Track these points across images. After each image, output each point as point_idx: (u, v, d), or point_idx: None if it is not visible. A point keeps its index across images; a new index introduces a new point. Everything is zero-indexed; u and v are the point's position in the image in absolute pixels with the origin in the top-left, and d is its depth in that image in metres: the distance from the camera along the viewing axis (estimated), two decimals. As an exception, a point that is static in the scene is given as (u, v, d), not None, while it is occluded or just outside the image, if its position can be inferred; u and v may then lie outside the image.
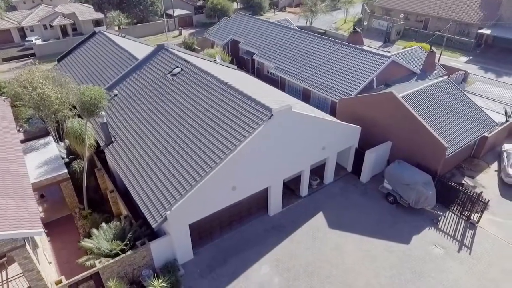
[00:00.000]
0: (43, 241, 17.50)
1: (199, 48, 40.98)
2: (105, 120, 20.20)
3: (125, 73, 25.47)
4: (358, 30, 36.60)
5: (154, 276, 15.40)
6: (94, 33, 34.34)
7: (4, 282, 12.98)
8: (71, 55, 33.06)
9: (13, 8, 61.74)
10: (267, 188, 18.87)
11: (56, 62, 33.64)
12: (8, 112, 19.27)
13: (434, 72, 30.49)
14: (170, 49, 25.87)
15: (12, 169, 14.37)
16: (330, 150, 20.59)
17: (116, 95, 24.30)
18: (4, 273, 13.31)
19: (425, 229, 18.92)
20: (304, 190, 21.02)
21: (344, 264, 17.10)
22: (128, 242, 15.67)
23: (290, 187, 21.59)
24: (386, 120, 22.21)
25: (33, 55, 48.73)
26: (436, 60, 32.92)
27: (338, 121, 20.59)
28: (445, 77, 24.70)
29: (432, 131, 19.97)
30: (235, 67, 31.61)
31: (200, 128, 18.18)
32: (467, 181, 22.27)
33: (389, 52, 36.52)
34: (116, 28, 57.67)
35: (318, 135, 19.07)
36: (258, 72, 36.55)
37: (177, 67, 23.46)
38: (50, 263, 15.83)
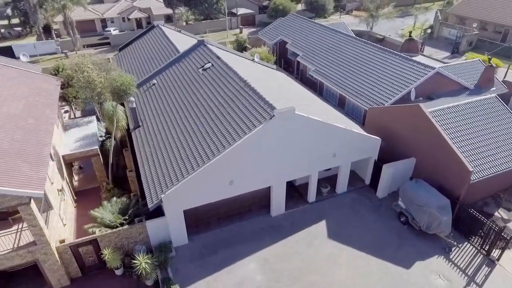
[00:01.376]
0: (68, 205, 19.83)
1: (249, 47, 41.98)
2: (134, 106, 22.08)
3: (166, 65, 27.36)
4: (414, 37, 34.35)
5: (146, 252, 16.68)
6: (153, 27, 37.29)
7: (18, 231, 15.17)
8: (131, 46, 36.36)
9: (100, 1, 69.38)
10: (270, 187, 19.01)
11: (118, 51, 37.32)
12: (56, 91, 22.17)
13: (492, 89, 27.40)
14: (208, 45, 27.13)
15: (40, 139, 16.64)
16: (342, 158, 19.93)
17: (153, 84, 26.27)
18: (20, 225, 15.52)
19: (433, 256, 17.37)
20: (311, 195, 20.65)
21: (333, 276, 16.54)
22: (127, 217, 17.13)
23: (300, 191, 21.39)
24: (411, 135, 20.75)
25: (108, 43, 54.44)
26: (502, 76, 29.56)
27: (355, 129, 19.76)
28: (494, 95, 22.13)
29: (458, 151, 18.18)
30: (274, 67, 31.91)
31: (211, 122, 18.96)
32: (500, 213, 19.80)
33: (447, 63, 33.57)
34: (184, 23, 61.71)
35: (327, 141, 18.60)
36: (302, 74, 36.37)
37: (209, 62, 24.59)
38: (64, 225, 17.95)
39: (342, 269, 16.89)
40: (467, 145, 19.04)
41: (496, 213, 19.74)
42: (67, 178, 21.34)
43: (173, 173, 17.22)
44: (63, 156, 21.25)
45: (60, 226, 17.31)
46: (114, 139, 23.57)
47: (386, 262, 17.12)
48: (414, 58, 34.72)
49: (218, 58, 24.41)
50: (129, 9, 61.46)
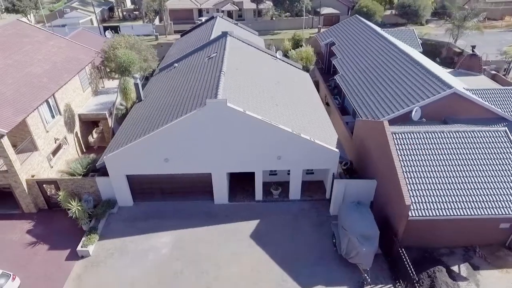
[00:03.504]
0: (69, 154, 24.17)
1: (303, 45, 41.56)
2: (138, 82, 25.13)
3: (191, 51, 29.88)
4: (477, 53, 29.12)
5: (92, 203, 19.70)
6: (212, 17, 40.41)
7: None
8: (190, 33, 40.29)
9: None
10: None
11: (180, 36, 41.73)
12: (86, 61, 26.89)
13: (544, 125, 21.76)
14: (230, 36, 28.51)
15: (39, 95, 20.97)
16: (290, 164, 19.24)
17: (174, 67, 29.11)
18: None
19: (341, 286, 15.70)
20: (258, 194, 20.52)
21: (226, 272, 16.57)
22: (84, 170, 20.31)
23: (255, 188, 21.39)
24: (377, 154, 18.62)
25: (195, 31, 60.42)
26: None
27: (306, 136, 18.66)
28: (504, 129, 17.93)
29: (402, 180, 15.73)
30: (300, 66, 31.36)
31: (176, 103, 20.53)
32: (462, 268, 16.32)
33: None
34: (269, 18, 63.91)
35: (269, 141, 18.28)
36: (340, 78, 34.59)
37: (216, 52, 26.06)
38: (52, 167, 22.17)
39: (240, 268, 16.76)
40: (427, 177, 16.24)
41: (455, 267, 16.39)
42: (79, 133, 25.89)
43: (127, 140, 19.56)
44: (79, 115, 25.88)
45: (45, 166, 21.51)
46: (126, 108, 27.37)
47: (288, 276, 16.26)
48: (474, 77, 30.04)
49: (224, 49, 25.67)
50: (224, 2, 66.48)
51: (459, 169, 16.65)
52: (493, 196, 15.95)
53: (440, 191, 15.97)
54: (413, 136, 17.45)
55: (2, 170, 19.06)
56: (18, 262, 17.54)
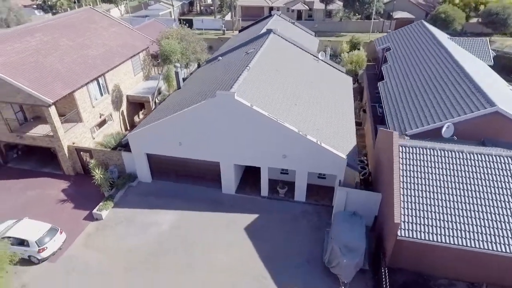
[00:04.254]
0: (112, 129, 26.97)
1: (359, 48, 39.96)
2: (178, 70, 26.92)
3: (237, 46, 30.97)
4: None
5: (117, 174, 21.99)
6: (270, 15, 41.08)
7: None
8: (248, 29, 41.51)
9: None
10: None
11: (238, 32, 43.19)
12: (140, 48, 29.59)
13: None
14: (273, 34, 28.90)
15: (88, 74, 23.82)
16: (295, 164, 19.08)
17: (219, 60, 30.45)
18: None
19: (316, 293, 15.34)
20: (263, 190, 20.75)
21: (211, 258, 17.27)
22: (114, 144, 22.68)
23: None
24: (385, 167, 17.52)
25: (262, 28, 61.66)
26: None
27: (313, 138, 18.23)
28: (540, 158, 15.47)
29: (397, 196, 14.64)
30: (344, 69, 30.35)
31: (202, 92, 21.70)
32: (458, 303, 14.70)
33: None
34: (338, 19, 62.45)
35: (274, 138, 18.39)
36: (390, 86, 32.59)
37: (254, 48, 26.68)
38: (94, 138, 25.09)
39: (228, 257, 17.29)
40: (430, 198, 14.89)
41: (450, 301, 14.83)
42: (125, 112, 28.73)
43: (150, 122, 21.32)
44: (127, 96, 28.73)
45: (87, 136, 24.45)
46: (169, 94, 29.55)
47: (268, 274, 16.33)
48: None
49: (261, 46, 26.19)
50: (294, 1, 66.56)
51: (472, 195, 14.94)
52: (510, 232, 14.02)
53: (443, 215, 14.52)
54: (423, 152, 16.10)
55: (49, 135, 22.27)
56: (49, 215, 20.37)
